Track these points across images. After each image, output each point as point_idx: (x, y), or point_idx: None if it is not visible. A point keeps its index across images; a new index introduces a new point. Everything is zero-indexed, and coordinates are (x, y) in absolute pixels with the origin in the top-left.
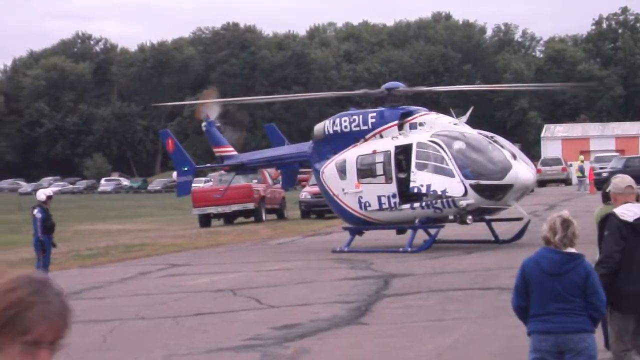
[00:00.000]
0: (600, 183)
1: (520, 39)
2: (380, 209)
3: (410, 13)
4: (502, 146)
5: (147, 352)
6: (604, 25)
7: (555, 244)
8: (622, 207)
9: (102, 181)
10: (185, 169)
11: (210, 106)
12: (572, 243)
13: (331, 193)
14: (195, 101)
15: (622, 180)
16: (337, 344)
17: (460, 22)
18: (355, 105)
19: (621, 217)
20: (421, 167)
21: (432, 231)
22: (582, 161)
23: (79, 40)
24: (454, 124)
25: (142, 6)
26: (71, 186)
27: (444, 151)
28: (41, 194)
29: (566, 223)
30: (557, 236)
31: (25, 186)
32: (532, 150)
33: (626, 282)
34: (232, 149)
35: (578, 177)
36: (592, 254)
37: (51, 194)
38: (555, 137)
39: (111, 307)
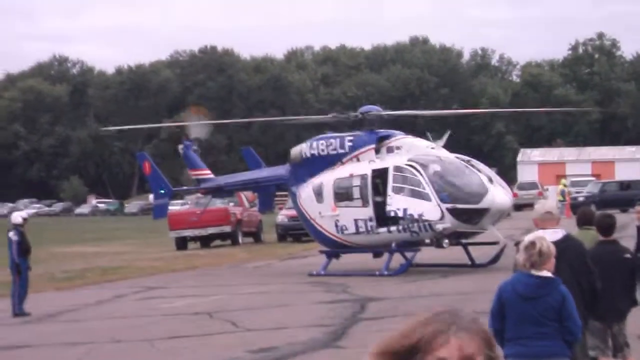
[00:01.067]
0: (577, 207)
1: (497, 64)
2: (357, 232)
3: (388, 37)
4: (478, 170)
5: None
6: (580, 50)
7: (525, 267)
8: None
9: (94, 201)
10: (162, 191)
11: (194, 126)
12: (541, 264)
13: (308, 216)
14: (173, 123)
15: (543, 207)
16: None
17: (437, 46)
18: (332, 129)
19: None
20: (398, 190)
21: (409, 255)
22: (564, 185)
23: (56, 63)
24: (431, 148)
25: (120, 29)
26: (47, 208)
27: (421, 175)
28: (17, 217)
29: (530, 246)
30: (522, 259)
31: (0, 208)
32: (508, 174)
33: None
34: (209, 171)
35: (559, 200)
36: None
37: (27, 216)
38: (531, 161)
39: (86, 330)
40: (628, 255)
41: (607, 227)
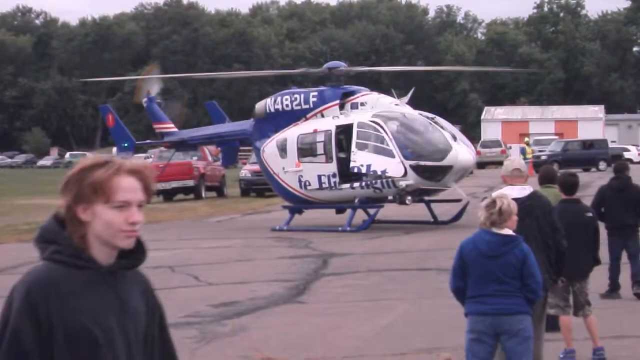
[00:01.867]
0: (539, 165)
1: (462, 21)
2: (320, 188)
3: None
4: (442, 127)
5: None
6: (545, 9)
7: (485, 225)
8: (504, 190)
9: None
10: (125, 144)
11: (151, 82)
12: (501, 222)
13: (271, 171)
14: (137, 77)
15: (512, 164)
16: (274, 322)
17: (403, 3)
18: (297, 85)
19: None
20: (361, 147)
21: (372, 211)
22: (527, 143)
23: (19, 14)
24: (395, 105)
25: None
26: (9, 160)
27: (385, 131)
28: None
29: (492, 205)
30: (482, 217)
31: None
32: (472, 132)
33: None
34: (172, 125)
35: (523, 159)
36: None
37: None
38: (495, 119)
39: None
40: (590, 214)
41: (570, 185)
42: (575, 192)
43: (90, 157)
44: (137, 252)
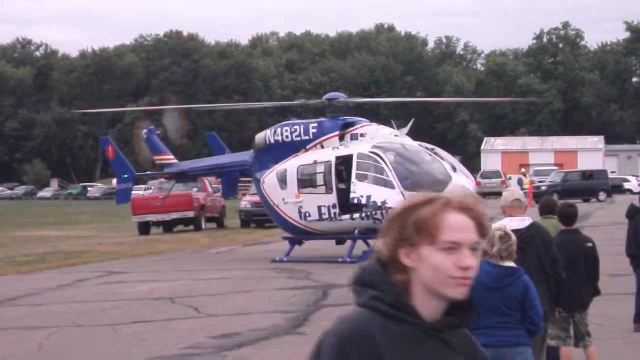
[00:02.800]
0: (539, 196)
1: (461, 52)
2: (320, 219)
3: (353, 24)
4: (442, 158)
5: None
6: (545, 40)
7: (493, 256)
8: (503, 221)
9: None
10: (125, 176)
11: (169, 119)
12: (510, 256)
13: (271, 202)
14: (137, 108)
15: (511, 194)
16: (275, 354)
17: (403, 34)
18: (296, 116)
19: None
20: (361, 177)
21: (372, 242)
22: (523, 174)
23: (19, 45)
24: (395, 135)
25: (84, 12)
26: (9, 191)
27: (384, 162)
28: None
29: (506, 237)
30: (495, 248)
31: None
32: (471, 162)
33: None
34: (172, 156)
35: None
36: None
37: None
38: (494, 150)
39: (48, 314)
40: (589, 245)
41: (569, 216)
42: (574, 222)
43: (416, 195)
44: (465, 309)
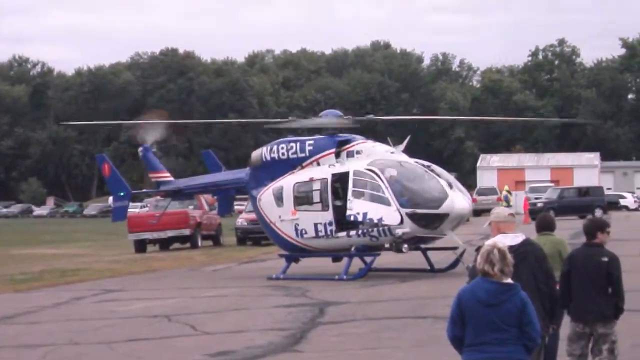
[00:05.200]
0: (535, 213)
1: (457, 69)
2: (317, 236)
3: (349, 41)
4: (438, 175)
5: None
6: (540, 57)
7: (495, 275)
8: (496, 238)
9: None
10: (121, 194)
11: (152, 129)
12: (510, 274)
13: (267, 220)
14: (132, 121)
15: (505, 210)
16: None
17: (398, 51)
18: (292, 133)
19: None
20: (358, 195)
21: (368, 259)
22: (507, 191)
23: (16, 64)
24: (391, 153)
25: (80, 30)
26: (5, 210)
27: (381, 180)
28: None
29: (502, 253)
30: (497, 267)
31: None
32: (468, 179)
33: None
34: (168, 174)
35: (504, 206)
36: None
37: None
38: (491, 167)
39: (44, 332)
40: (605, 259)
41: (587, 232)
42: (594, 237)
43: None
44: None
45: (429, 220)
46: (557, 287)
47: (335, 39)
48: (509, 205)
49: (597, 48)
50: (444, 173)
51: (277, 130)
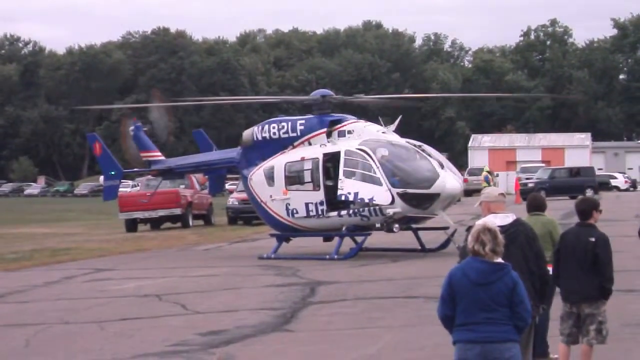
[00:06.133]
0: (526, 193)
1: (449, 49)
2: (308, 216)
3: (340, 21)
4: (429, 155)
5: (71, 357)
6: (532, 37)
7: (486, 255)
8: (487, 218)
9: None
10: (112, 173)
11: (155, 114)
12: (501, 253)
13: (259, 199)
14: (124, 105)
15: (495, 190)
16: (262, 351)
17: (390, 31)
18: (283, 113)
19: None
20: (349, 174)
21: (359, 239)
22: (487, 171)
23: (7, 42)
24: (382, 133)
25: (71, 9)
26: None
27: (372, 159)
28: None
29: (492, 232)
30: (488, 247)
31: None
32: (459, 159)
33: None
34: (159, 153)
35: (484, 187)
36: None
37: None
38: (482, 147)
39: (35, 311)
40: (592, 239)
41: (579, 211)
42: (587, 217)
43: None
44: None
45: (420, 200)
46: (548, 267)
47: (327, 18)
48: (488, 186)
49: (589, 28)
50: (435, 153)
51: (269, 109)
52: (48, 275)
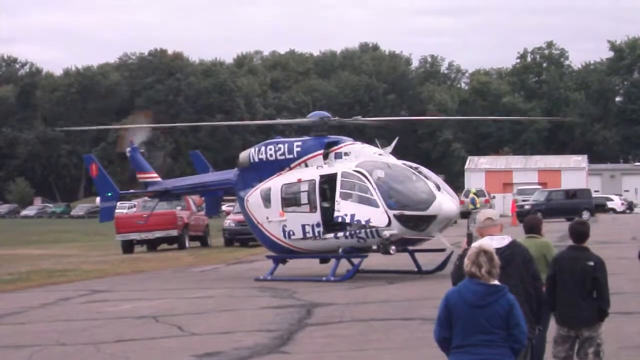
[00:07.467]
0: (523, 215)
1: (446, 71)
2: (304, 237)
3: (337, 43)
4: (426, 177)
5: None
6: (529, 59)
7: (483, 277)
8: (483, 240)
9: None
10: (109, 194)
11: (138, 130)
12: (497, 275)
13: (255, 221)
14: (121, 126)
15: (483, 215)
16: None
17: (387, 53)
18: (280, 134)
19: None
20: (345, 196)
21: (356, 261)
22: (474, 193)
23: (4, 64)
24: (379, 154)
25: (68, 31)
26: None
27: (369, 181)
28: None
29: (489, 255)
30: (484, 269)
31: None
32: (456, 181)
33: None
34: (156, 175)
35: (471, 209)
36: None
37: None
38: (479, 169)
39: (31, 333)
40: (590, 264)
41: (576, 234)
42: (583, 240)
43: None
44: None
45: (417, 222)
46: (543, 289)
47: (324, 40)
48: (475, 208)
49: (585, 51)
50: (432, 175)
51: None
52: (44, 296)
